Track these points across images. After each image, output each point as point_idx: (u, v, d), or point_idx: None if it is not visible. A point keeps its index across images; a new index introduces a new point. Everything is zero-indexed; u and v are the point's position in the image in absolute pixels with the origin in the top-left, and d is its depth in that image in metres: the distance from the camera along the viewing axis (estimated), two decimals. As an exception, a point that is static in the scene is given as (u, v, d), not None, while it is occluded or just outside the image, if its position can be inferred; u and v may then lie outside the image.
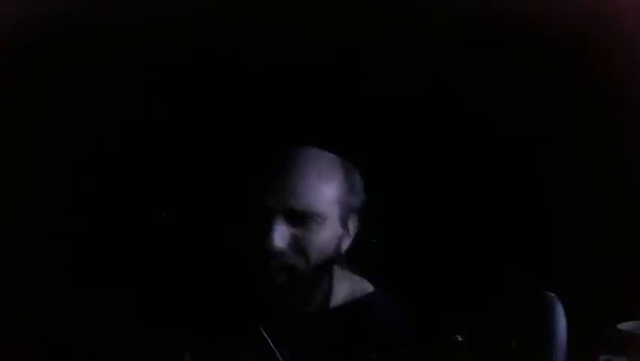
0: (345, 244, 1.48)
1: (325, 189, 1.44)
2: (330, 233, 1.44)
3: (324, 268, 1.45)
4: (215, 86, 1.88)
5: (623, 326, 1.22)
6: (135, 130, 1.86)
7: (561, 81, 1.75)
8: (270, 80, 1.86)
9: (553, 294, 1.18)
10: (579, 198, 1.75)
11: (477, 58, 1.78)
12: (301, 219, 1.41)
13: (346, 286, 1.51)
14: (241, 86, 1.87)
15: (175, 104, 1.88)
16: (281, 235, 1.40)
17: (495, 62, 1.77)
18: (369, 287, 1.53)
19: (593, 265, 1.70)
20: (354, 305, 1.49)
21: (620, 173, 1.71)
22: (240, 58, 1.86)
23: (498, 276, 1.73)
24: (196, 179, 1.88)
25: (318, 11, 1.80)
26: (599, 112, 1.73)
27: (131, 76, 1.83)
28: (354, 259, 1.50)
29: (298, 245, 1.41)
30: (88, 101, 1.84)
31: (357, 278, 1.54)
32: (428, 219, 1.82)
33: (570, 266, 1.70)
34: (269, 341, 1.40)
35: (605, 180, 1.73)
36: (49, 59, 1.80)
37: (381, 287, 1.52)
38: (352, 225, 1.49)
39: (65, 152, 1.85)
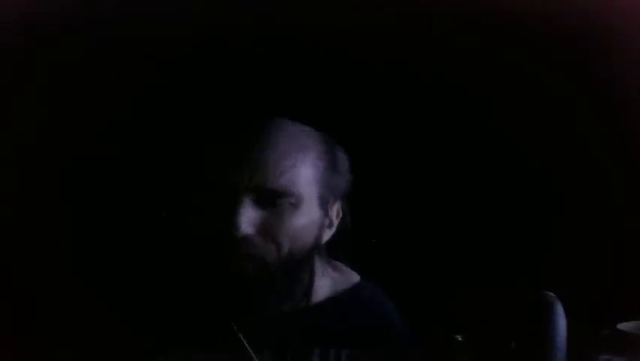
0: (327, 236, 1.30)
1: (301, 164, 1.23)
2: (308, 219, 1.24)
3: (302, 261, 1.26)
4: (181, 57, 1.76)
5: (623, 326, 1.22)
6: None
7: (561, 81, 1.75)
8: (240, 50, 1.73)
9: (553, 294, 1.18)
10: (579, 197, 1.75)
11: (474, 56, 1.78)
12: (271, 199, 1.22)
13: (328, 278, 1.33)
14: (207, 55, 1.74)
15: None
16: (248, 219, 1.19)
17: (492, 60, 1.77)
18: (354, 278, 1.36)
19: (593, 265, 1.70)
20: (336, 300, 1.31)
21: (620, 173, 1.71)
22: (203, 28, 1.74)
23: (498, 276, 1.73)
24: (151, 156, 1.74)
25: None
26: (599, 112, 1.73)
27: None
28: (337, 248, 1.34)
29: (268, 231, 1.21)
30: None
31: (340, 267, 1.36)
32: (426, 219, 1.82)
33: (570, 266, 1.70)
34: (245, 343, 1.21)
35: (605, 180, 1.73)
36: (49, 59, 1.80)
37: (373, 280, 1.37)
38: (335, 212, 1.30)
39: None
